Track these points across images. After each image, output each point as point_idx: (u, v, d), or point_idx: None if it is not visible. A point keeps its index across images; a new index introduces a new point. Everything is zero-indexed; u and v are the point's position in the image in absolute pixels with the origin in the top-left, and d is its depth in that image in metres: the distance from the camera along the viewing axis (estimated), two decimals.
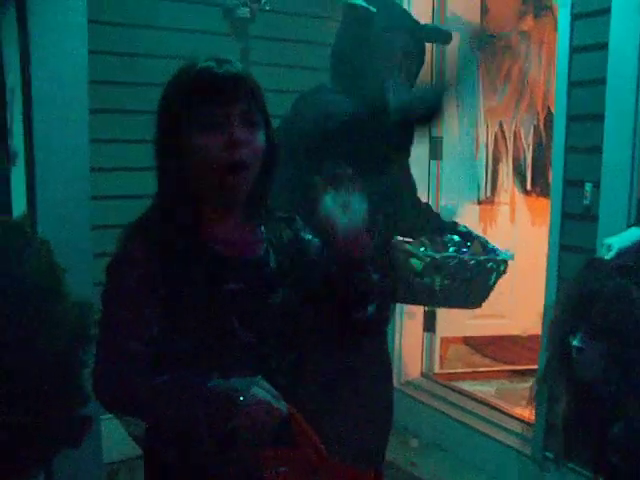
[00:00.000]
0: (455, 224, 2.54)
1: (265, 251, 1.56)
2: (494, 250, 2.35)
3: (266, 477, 1.36)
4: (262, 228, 1.59)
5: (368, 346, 2.30)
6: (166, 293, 1.43)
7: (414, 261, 2.09)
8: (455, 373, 4.46)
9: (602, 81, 2.97)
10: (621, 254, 2.08)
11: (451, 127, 4.27)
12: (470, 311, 4.41)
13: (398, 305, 4.14)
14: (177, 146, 1.47)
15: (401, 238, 2.24)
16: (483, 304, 2.39)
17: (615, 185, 2.90)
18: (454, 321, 4.38)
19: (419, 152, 4.10)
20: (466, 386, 4.28)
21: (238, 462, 1.41)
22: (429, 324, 4.31)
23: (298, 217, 1.67)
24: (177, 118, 1.47)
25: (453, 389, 4.22)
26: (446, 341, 4.55)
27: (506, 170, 4.51)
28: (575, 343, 1.99)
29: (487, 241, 2.42)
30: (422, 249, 2.20)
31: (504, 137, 4.49)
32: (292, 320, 1.55)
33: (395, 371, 4.23)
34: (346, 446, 1.90)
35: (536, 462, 3.38)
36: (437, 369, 4.40)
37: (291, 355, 1.57)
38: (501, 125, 4.49)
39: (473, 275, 2.10)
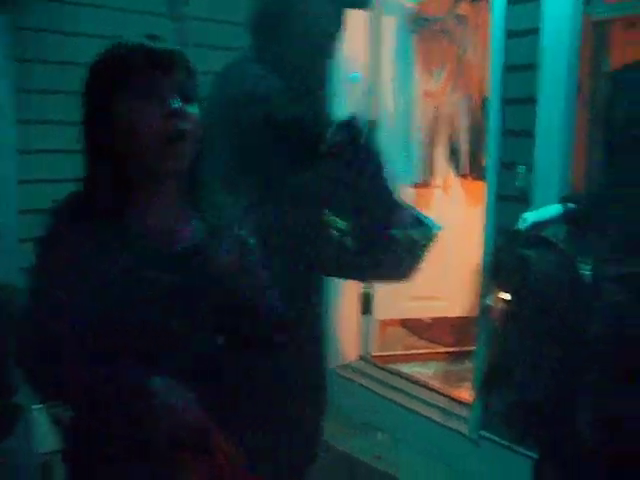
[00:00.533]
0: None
1: (197, 242, 1.51)
2: (424, 221, 2.36)
3: None
4: (196, 217, 1.53)
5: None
6: (91, 279, 1.38)
7: (345, 238, 2.08)
8: (393, 355, 4.48)
9: (535, 65, 3.01)
10: (535, 227, 2.28)
11: (386, 111, 4.28)
12: (407, 293, 4.50)
13: (334, 288, 4.15)
14: (109, 123, 1.42)
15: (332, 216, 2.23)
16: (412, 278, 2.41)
17: (547, 167, 2.94)
18: (391, 303, 4.41)
19: None
20: (404, 368, 4.31)
21: (150, 463, 1.37)
22: (366, 307, 4.33)
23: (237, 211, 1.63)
24: (110, 92, 1.42)
25: (391, 371, 4.25)
26: (384, 324, 4.57)
27: (441, 153, 4.54)
28: (487, 302, 2.21)
29: (416, 211, 2.43)
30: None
31: (439, 120, 4.51)
32: (218, 317, 1.51)
33: (332, 354, 4.25)
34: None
35: (473, 442, 3.43)
36: (375, 351, 4.42)
37: (219, 351, 1.54)
38: (437, 108, 4.50)
39: (401, 249, 2.11)
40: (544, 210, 2.39)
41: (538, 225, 2.33)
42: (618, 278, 2.03)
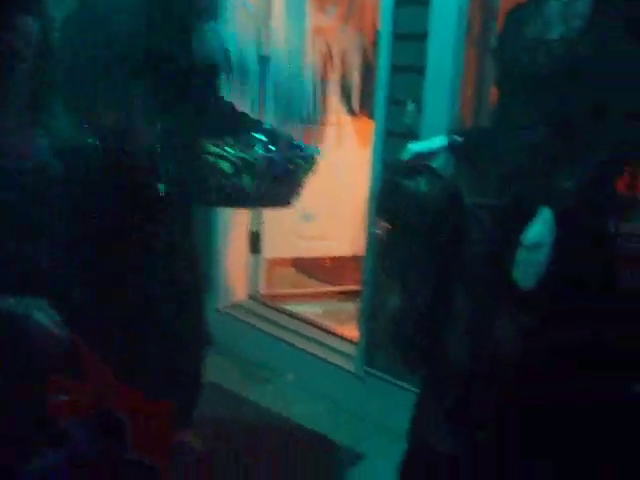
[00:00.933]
0: (260, 122, 2.48)
1: (45, 158, 1.40)
2: (300, 147, 2.32)
3: (49, 404, 1.28)
4: (43, 132, 1.42)
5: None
6: None
7: (223, 163, 2.02)
8: (282, 294, 4.46)
9: (426, 1, 2.97)
10: (417, 157, 2.31)
11: (278, 46, 4.17)
12: (297, 232, 4.47)
13: (222, 227, 4.08)
14: None
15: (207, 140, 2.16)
16: (294, 203, 2.39)
17: (436, 104, 2.93)
18: (280, 242, 4.36)
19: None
20: (293, 307, 4.29)
21: (22, 388, 1.30)
22: (254, 245, 4.26)
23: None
24: None
25: (280, 310, 4.22)
26: (273, 263, 4.53)
27: (333, 91, 4.47)
28: (374, 230, 2.25)
29: (294, 137, 2.40)
30: (230, 150, 2.13)
31: (331, 58, 4.43)
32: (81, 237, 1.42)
33: (221, 293, 4.20)
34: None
35: (358, 378, 3.46)
36: (264, 290, 4.39)
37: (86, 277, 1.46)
38: (329, 45, 4.41)
39: (282, 174, 2.07)
40: (428, 142, 2.40)
41: (421, 155, 2.33)
42: (491, 208, 2.08)
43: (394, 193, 2.21)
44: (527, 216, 1.94)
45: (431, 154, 2.35)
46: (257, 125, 2.44)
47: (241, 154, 2.08)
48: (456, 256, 2.13)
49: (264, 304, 4.29)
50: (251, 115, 2.63)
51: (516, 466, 2.03)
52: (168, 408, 1.44)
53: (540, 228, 1.91)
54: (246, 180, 2.05)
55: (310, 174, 2.28)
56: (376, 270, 2.53)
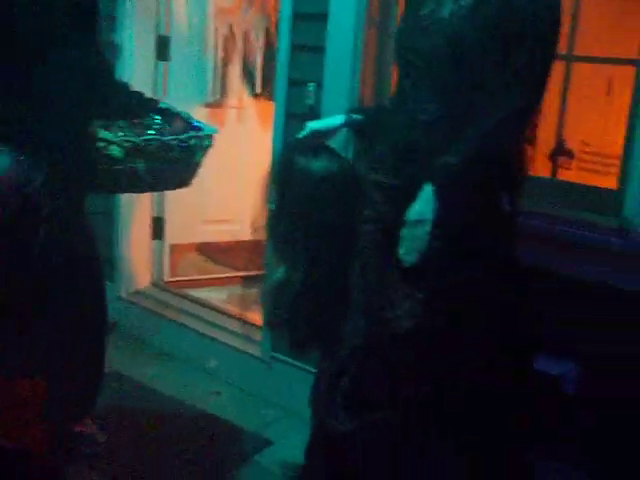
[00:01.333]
0: (155, 102, 2.42)
1: None
2: (199, 126, 2.27)
3: None
4: None
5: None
6: None
7: (113, 148, 1.95)
8: (186, 281, 4.38)
9: None
10: (314, 135, 2.32)
11: (179, 26, 4.07)
12: (200, 217, 4.39)
13: (124, 214, 3.97)
14: None
15: (98, 124, 2.08)
16: (190, 184, 2.38)
17: (337, 84, 2.90)
18: (183, 228, 4.29)
19: (145, 52, 3.89)
20: (198, 293, 4.22)
21: None
22: (157, 231, 4.17)
23: None
24: None
25: (184, 297, 4.15)
26: (178, 249, 4.43)
27: (235, 73, 4.40)
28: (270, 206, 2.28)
29: (190, 116, 2.33)
30: (120, 134, 2.05)
31: (234, 39, 4.36)
32: None
33: (124, 281, 4.09)
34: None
35: (265, 363, 3.43)
36: (168, 277, 4.30)
37: None
38: (231, 26, 4.34)
39: (178, 155, 2.01)
40: (327, 120, 2.41)
41: (318, 133, 2.34)
42: (385, 186, 2.12)
43: (288, 169, 2.23)
44: (416, 194, 1.96)
45: (329, 132, 2.36)
46: (151, 104, 2.37)
47: (132, 138, 2.01)
48: (349, 234, 2.16)
49: (168, 291, 4.20)
50: (147, 96, 2.54)
51: (415, 444, 2.04)
52: (35, 388, 1.35)
53: (422, 204, 1.93)
54: (139, 164, 1.99)
55: (207, 154, 2.23)
56: (267, 246, 2.52)
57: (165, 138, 2.02)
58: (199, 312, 3.97)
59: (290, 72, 3.12)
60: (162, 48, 3.98)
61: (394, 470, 2.06)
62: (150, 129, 2.15)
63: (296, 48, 3.09)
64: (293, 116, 3.10)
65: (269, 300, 2.41)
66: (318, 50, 2.97)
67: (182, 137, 2.07)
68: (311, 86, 3.01)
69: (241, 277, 4.49)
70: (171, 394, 3.45)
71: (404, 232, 1.95)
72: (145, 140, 2.00)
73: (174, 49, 4.03)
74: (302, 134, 2.35)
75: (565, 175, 2.96)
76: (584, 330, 2.49)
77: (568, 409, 2.47)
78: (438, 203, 1.92)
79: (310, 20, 3.03)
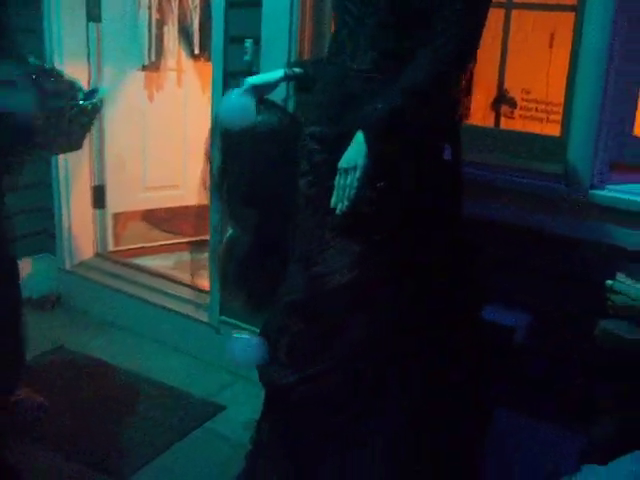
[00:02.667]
0: (43, 67, 2.37)
1: None
2: (81, 88, 2.23)
3: None
4: None
5: None
6: None
7: None
8: (132, 249, 4.29)
9: None
10: (254, 89, 2.28)
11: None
12: (142, 184, 4.30)
13: (63, 184, 3.86)
14: None
15: None
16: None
17: (274, 39, 2.84)
18: (126, 195, 4.19)
19: (75, 14, 3.74)
20: (144, 262, 4.15)
21: None
22: (99, 200, 4.07)
23: None
24: None
25: (130, 266, 4.06)
26: (123, 217, 4.34)
27: (172, 33, 4.27)
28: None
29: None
30: None
31: None
32: None
33: (66, 253, 3.99)
34: None
35: (213, 328, 3.38)
36: (112, 247, 4.21)
37: None
38: None
39: (70, 118, 1.97)
40: (266, 75, 2.37)
41: (257, 87, 2.30)
42: (323, 137, 2.10)
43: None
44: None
45: (269, 87, 2.33)
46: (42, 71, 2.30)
47: None
48: (290, 190, 2.14)
49: (113, 260, 4.11)
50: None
51: (358, 400, 2.03)
52: None
53: (353, 152, 1.90)
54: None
55: (97, 115, 2.19)
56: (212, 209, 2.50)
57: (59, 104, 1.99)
58: (145, 280, 3.89)
59: (226, 29, 3.04)
60: (93, 8, 3.83)
61: (337, 425, 2.06)
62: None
63: (232, 4, 3.01)
64: (232, 75, 3.03)
65: (220, 261, 2.38)
66: (254, 5, 2.89)
67: (71, 100, 2.04)
68: (248, 42, 2.94)
69: (188, 243, 4.42)
70: (119, 364, 3.40)
71: (336, 180, 1.93)
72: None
73: (106, 9, 3.88)
74: (241, 89, 2.30)
75: (508, 124, 2.95)
76: (532, 280, 2.50)
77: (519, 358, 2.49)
78: (367, 149, 1.89)
79: None
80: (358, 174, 1.89)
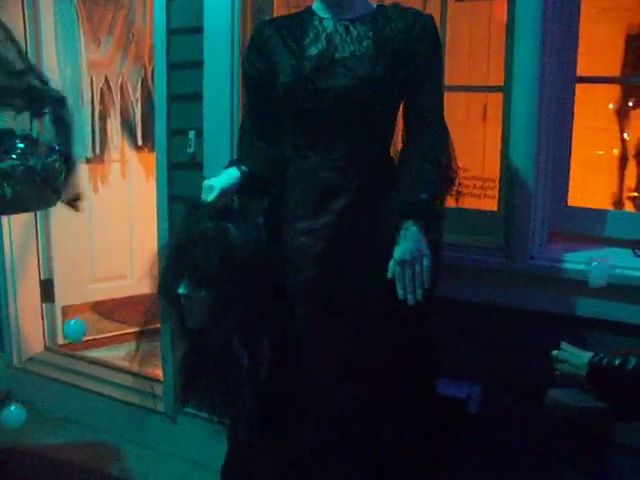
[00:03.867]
0: (12, 130, 2.37)
1: None
2: (60, 150, 2.24)
3: None
4: None
5: None
6: None
7: None
8: (82, 342, 4.23)
9: (199, 29, 2.94)
10: (223, 195, 2.07)
11: (52, 81, 3.98)
12: (91, 276, 4.28)
13: (9, 277, 3.82)
14: None
15: None
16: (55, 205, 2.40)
17: (216, 131, 2.90)
18: (74, 288, 4.17)
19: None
20: (95, 353, 4.12)
21: None
22: (47, 294, 4.05)
23: None
24: None
25: (81, 359, 4.02)
26: (72, 310, 4.30)
27: (115, 126, 4.33)
28: (181, 291, 1.96)
29: (51, 139, 2.30)
30: None
31: (110, 91, 4.30)
32: None
33: (14, 348, 3.93)
34: None
35: (169, 417, 3.34)
36: (62, 340, 4.15)
37: None
38: (107, 79, 4.29)
39: (43, 178, 1.98)
40: (224, 176, 2.13)
41: (225, 192, 2.08)
42: (309, 229, 2.10)
43: (215, 239, 2.00)
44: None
45: (232, 189, 2.13)
46: (10, 132, 2.31)
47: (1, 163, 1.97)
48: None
49: (63, 354, 4.06)
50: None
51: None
52: None
53: (412, 242, 1.95)
54: (6, 189, 1.94)
55: (73, 175, 2.19)
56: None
57: (30, 162, 2.00)
58: (97, 373, 3.84)
59: (169, 121, 3.09)
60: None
61: None
62: (13, 154, 2.13)
63: (173, 98, 3.07)
64: (175, 165, 3.08)
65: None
66: (196, 97, 2.96)
67: (47, 160, 2.05)
68: (191, 134, 2.99)
69: (136, 332, 4.36)
70: (73, 460, 3.32)
71: (397, 273, 1.94)
72: (11, 166, 1.97)
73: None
74: (212, 196, 2.06)
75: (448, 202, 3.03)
76: (481, 351, 2.54)
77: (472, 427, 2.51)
78: (426, 237, 1.96)
79: (185, 68, 3.03)
80: (426, 262, 1.94)
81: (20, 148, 2.19)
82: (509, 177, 2.49)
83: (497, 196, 2.60)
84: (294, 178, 2.17)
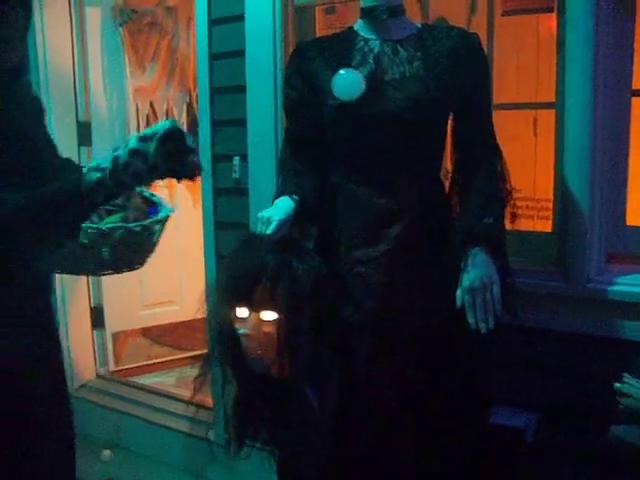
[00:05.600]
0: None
1: None
2: (158, 203, 2.18)
3: None
4: None
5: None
6: None
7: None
8: (133, 368, 4.26)
9: (241, 53, 2.93)
10: (280, 227, 1.98)
11: (99, 111, 4.02)
12: (140, 302, 4.28)
13: (61, 305, 3.84)
14: None
15: None
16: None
17: (261, 156, 2.87)
18: (124, 314, 4.18)
19: (66, 139, 3.81)
20: (146, 380, 4.11)
21: None
22: (97, 320, 4.06)
23: None
24: None
25: (132, 385, 4.01)
26: (122, 336, 4.31)
27: None
28: (242, 331, 1.89)
29: (150, 194, 2.24)
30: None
31: (156, 117, 4.31)
32: None
33: (67, 376, 3.93)
34: None
35: (222, 447, 3.29)
36: (113, 367, 4.16)
37: None
38: (152, 105, 4.30)
39: (139, 240, 1.94)
40: (280, 207, 2.06)
41: (283, 224, 1.99)
42: (366, 258, 2.04)
43: (264, 275, 1.89)
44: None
45: (290, 220, 2.05)
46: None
47: (98, 225, 1.92)
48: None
49: (115, 381, 4.06)
50: None
51: None
52: None
53: (482, 268, 1.94)
54: (104, 250, 1.91)
55: (162, 233, 2.15)
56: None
57: (129, 225, 1.96)
58: (149, 400, 3.83)
59: (213, 146, 3.08)
60: (83, 133, 3.93)
61: None
62: (111, 214, 2.08)
63: (217, 123, 3.06)
64: (221, 191, 3.06)
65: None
66: (239, 122, 2.93)
67: (145, 223, 2.00)
68: (236, 160, 2.97)
69: (188, 357, 4.37)
70: None
71: (467, 301, 1.92)
72: (110, 228, 1.93)
73: (96, 133, 3.97)
74: (271, 228, 1.96)
75: None
76: (537, 378, 2.45)
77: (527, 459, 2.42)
78: (495, 264, 1.94)
79: (228, 93, 3.01)
80: (496, 289, 1.91)
81: (117, 204, 2.13)
82: (563, 197, 2.40)
83: (551, 217, 2.51)
84: (346, 205, 2.09)
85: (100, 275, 2.01)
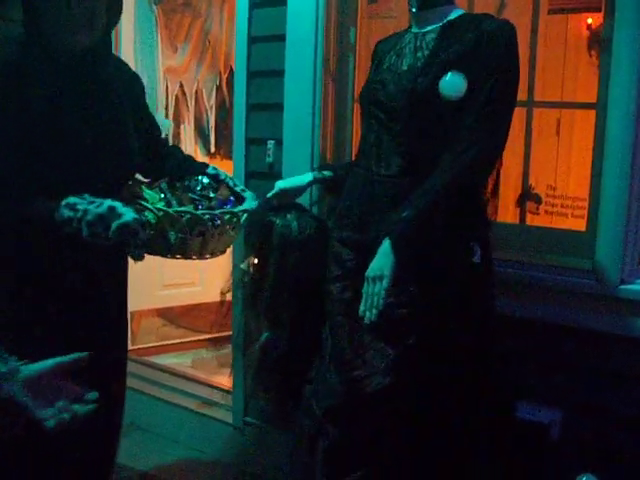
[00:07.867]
0: (204, 165, 2.34)
1: None
2: (241, 195, 2.19)
3: None
4: None
5: None
6: None
7: (147, 213, 1.89)
8: (149, 347, 4.25)
9: (282, 37, 2.92)
10: (283, 193, 2.35)
11: None
12: (159, 282, 4.28)
13: None
14: None
15: (141, 181, 2.11)
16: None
17: (297, 141, 2.87)
18: (143, 293, 4.16)
19: None
20: (161, 360, 4.10)
21: None
22: None
23: None
24: None
25: (147, 364, 4.01)
26: (138, 315, 4.31)
27: (188, 132, 4.34)
28: (242, 267, 2.35)
29: (235, 184, 2.25)
30: (161, 196, 2.02)
31: (185, 98, 4.31)
32: None
33: None
34: None
35: (237, 429, 3.31)
36: (130, 345, 4.15)
37: None
38: (182, 85, 4.30)
39: (209, 229, 1.95)
40: (295, 178, 2.41)
41: (286, 192, 2.37)
42: (354, 243, 2.12)
43: (263, 229, 2.25)
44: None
45: (298, 190, 2.38)
46: (201, 168, 2.28)
47: (166, 208, 1.93)
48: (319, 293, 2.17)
49: (129, 359, 4.04)
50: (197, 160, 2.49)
51: None
52: None
53: (380, 260, 1.91)
54: (170, 233, 1.92)
55: (238, 230, 2.15)
56: (245, 309, 2.49)
57: (197, 212, 1.95)
58: (163, 379, 3.84)
59: (247, 130, 3.07)
60: None
61: None
62: (191, 192, 2.09)
63: (252, 106, 3.05)
64: (252, 175, 3.06)
65: (255, 362, 2.35)
66: (276, 107, 2.93)
67: (216, 212, 2.00)
68: (270, 144, 2.97)
69: (204, 340, 4.38)
70: (140, 467, 3.31)
71: (364, 289, 1.92)
72: (177, 212, 1.93)
73: None
74: (271, 193, 2.35)
75: (534, 220, 2.94)
76: (564, 375, 2.45)
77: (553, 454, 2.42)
78: (394, 257, 1.89)
79: (266, 77, 3.00)
80: (385, 284, 1.89)
81: (204, 184, 2.15)
82: (599, 196, 2.40)
83: (586, 215, 2.51)
84: (346, 187, 2.20)
85: (170, 258, 2.01)
